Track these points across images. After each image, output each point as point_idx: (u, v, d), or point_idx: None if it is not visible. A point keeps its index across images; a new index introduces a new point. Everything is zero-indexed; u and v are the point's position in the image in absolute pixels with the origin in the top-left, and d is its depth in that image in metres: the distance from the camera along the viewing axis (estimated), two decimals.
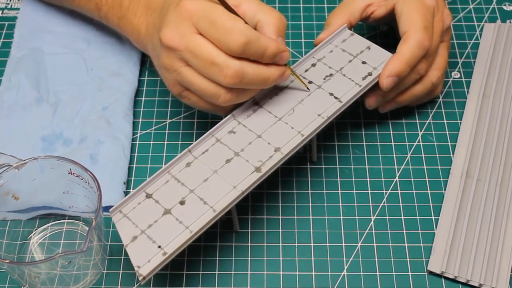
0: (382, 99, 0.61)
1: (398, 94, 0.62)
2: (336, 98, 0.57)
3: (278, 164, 0.53)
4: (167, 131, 0.64)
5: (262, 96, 0.57)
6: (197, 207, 0.51)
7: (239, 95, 0.53)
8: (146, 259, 0.49)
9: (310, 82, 0.58)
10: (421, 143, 0.64)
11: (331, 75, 0.58)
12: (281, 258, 0.56)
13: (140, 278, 0.48)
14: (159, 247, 0.49)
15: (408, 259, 0.56)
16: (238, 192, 0.51)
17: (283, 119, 0.56)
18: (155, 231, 0.50)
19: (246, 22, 0.52)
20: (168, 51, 0.52)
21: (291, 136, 0.54)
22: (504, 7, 0.75)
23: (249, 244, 0.57)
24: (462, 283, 0.55)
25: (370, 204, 0.59)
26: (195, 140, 0.63)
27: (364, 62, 0.59)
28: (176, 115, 0.65)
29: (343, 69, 0.59)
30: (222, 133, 0.55)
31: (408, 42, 0.58)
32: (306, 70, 0.59)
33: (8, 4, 0.75)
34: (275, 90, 0.58)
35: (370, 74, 0.58)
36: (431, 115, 0.66)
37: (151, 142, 0.64)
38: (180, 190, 0.52)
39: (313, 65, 0.60)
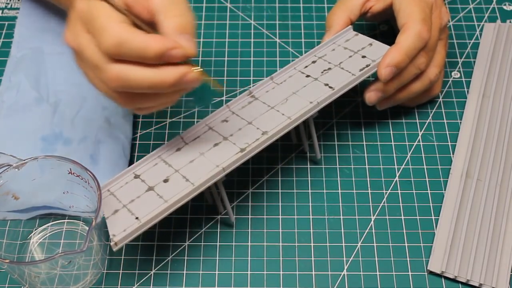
0: (382, 95, 0.61)
1: (397, 91, 0.61)
2: (331, 88, 0.57)
3: (263, 145, 0.54)
4: (167, 131, 0.64)
5: (258, 89, 0.58)
6: (179, 184, 0.52)
7: (136, 99, 0.49)
8: (122, 228, 0.50)
9: (307, 76, 0.58)
10: (421, 143, 0.64)
11: (329, 69, 0.59)
12: (281, 258, 0.56)
13: (111, 244, 0.49)
14: (137, 218, 0.50)
15: (408, 259, 0.56)
16: (219, 169, 0.52)
17: (275, 108, 0.56)
18: (136, 205, 0.52)
19: (140, 23, 0.48)
20: (72, 50, 0.50)
21: (280, 121, 0.55)
22: (504, 7, 0.75)
23: (249, 244, 0.57)
24: (462, 283, 0.55)
25: (370, 204, 0.59)
26: None
27: (364, 56, 0.59)
28: (176, 115, 0.65)
29: (342, 63, 0.59)
30: (215, 122, 0.57)
31: (406, 33, 0.58)
32: (306, 67, 0.59)
33: (8, 4, 0.75)
34: (272, 84, 0.58)
35: (368, 65, 0.58)
36: (431, 115, 0.66)
37: (151, 142, 0.64)
38: (166, 170, 0.54)
39: (313, 62, 0.60)
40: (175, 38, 0.47)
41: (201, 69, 0.49)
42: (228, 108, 0.57)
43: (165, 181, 0.53)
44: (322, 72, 0.58)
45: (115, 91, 0.48)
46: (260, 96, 0.58)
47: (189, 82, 0.48)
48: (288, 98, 0.57)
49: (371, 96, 0.61)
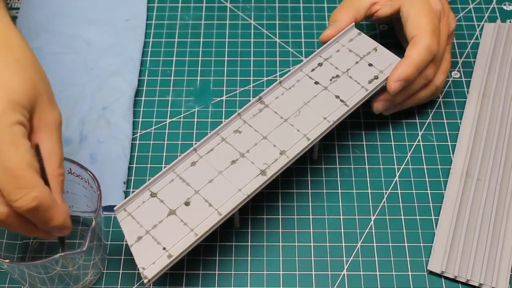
0: (389, 104, 0.61)
1: (404, 99, 0.62)
2: (342, 101, 0.57)
3: (284, 168, 0.53)
4: (167, 131, 0.64)
5: (267, 95, 0.57)
6: (202, 209, 0.51)
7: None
8: (151, 260, 0.49)
9: (316, 83, 0.58)
10: (421, 143, 0.64)
11: (337, 76, 0.58)
12: (281, 258, 0.56)
13: (145, 281, 0.48)
14: (164, 248, 0.49)
15: (408, 259, 0.56)
16: (244, 195, 0.52)
17: (289, 121, 0.56)
18: (160, 232, 0.50)
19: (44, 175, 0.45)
20: None
21: (296, 139, 0.55)
22: (504, 7, 0.75)
23: (249, 243, 0.57)
24: (462, 283, 0.55)
25: (370, 204, 0.59)
26: (195, 140, 0.63)
27: (370, 64, 0.59)
28: (176, 115, 0.65)
29: (349, 70, 0.59)
30: (227, 132, 0.56)
31: (417, 47, 0.58)
32: (313, 70, 0.59)
33: (8, 3, 0.75)
34: (281, 89, 0.58)
35: (376, 77, 0.58)
36: (431, 115, 0.66)
37: (151, 142, 0.64)
38: (185, 190, 0.52)
39: (320, 64, 0.60)
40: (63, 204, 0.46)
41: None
42: (239, 117, 0.56)
43: (187, 204, 0.52)
44: (331, 80, 0.58)
45: None
46: (270, 103, 0.57)
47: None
48: (300, 110, 0.56)
49: (378, 105, 0.61)
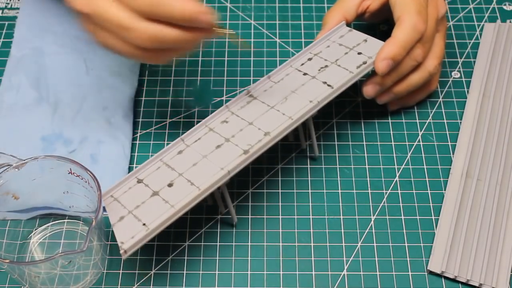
0: (380, 88, 0.61)
1: (395, 84, 0.61)
2: (329, 86, 0.57)
3: (266, 146, 0.54)
4: (167, 131, 0.64)
5: (256, 89, 0.58)
6: (184, 188, 0.52)
7: (160, 54, 0.52)
8: (130, 235, 0.49)
9: (305, 74, 0.58)
10: (421, 143, 0.64)
11: (326, 66, 0.59)
12: (281, 258, 0.56)
13: (121, 252, 0.49)
14: (144, 224, 0.50)
15: (408, 259, 0.56)
16: (224, 172, 0.52)
17: (275, 107, 0.56)
18: (142, 211, 0.51)
19: None
20: (81, 15, 0.51)
21: (281, 121, 0.55)
22: (504, 7, 0.75)
23: (249, 244, 0.57)
24: (462, 283, 0.55)
25: (370, 204, 0.59)
26: None
27: (360, 53, 0.59)
28: (176, 115, 0.65)
29: (338, 60, 0.59)
30: (215, 123, 0.56)
31: (402, 26, 0.58)
32: (302, 64, 0.59)
33: (8, 3, 0.75)
34: (270, 83, 0.58)
35: (365, 62, 0.58)
36: (431, 115, 0.66)
37: (151, 142, 0.64)
38: (169, 174, 0.53)
39: (309, 59, 0.60)
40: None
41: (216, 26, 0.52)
42: (227, 109, 0.57)
43: (170, 185, 0.52)
44: (319, 70, 0.58)
45: (142, 49, 0.50)
46: (258, 96, 0.58)
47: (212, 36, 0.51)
48: (287, 97, 0.57)
49: (368, 89, 0.61)
